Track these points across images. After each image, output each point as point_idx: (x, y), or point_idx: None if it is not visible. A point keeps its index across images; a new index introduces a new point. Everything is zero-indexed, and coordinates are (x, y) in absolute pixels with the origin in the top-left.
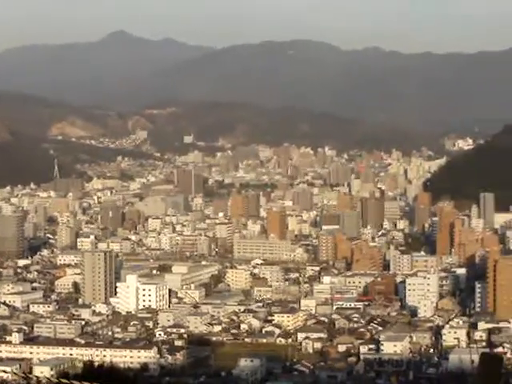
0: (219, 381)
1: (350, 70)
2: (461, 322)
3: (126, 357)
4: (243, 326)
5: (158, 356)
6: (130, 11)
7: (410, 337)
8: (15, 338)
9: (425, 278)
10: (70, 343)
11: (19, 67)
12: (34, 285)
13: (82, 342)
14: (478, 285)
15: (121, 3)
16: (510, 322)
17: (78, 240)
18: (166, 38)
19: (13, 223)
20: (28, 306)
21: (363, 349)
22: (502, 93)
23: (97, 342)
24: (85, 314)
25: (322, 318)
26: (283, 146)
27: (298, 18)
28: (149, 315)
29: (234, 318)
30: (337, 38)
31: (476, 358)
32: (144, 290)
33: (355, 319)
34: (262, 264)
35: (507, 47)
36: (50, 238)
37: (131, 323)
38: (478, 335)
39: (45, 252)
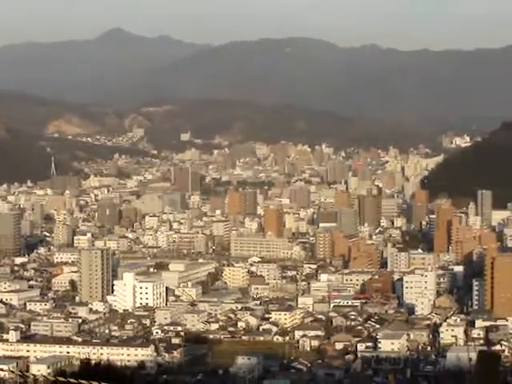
0: (216, 379)
1: (348, 67)
2: (458, 320)
3: (123, 355)
4: (240, 324)
5: (155, 354)
6: (126, 9)
7: (408, 335)
8: (12, 336)
9: (422, 275)
10: (67, 341)
11: (16, 65)
12: (31, 283)
13: (79, 340)
14: (475, 282)
15: (117, 1)
16: (507, 320)
17: (75, 238)
18: (163, 36)
19: (9, 221)
20: (25, 304)
21: (360, 347)
22: (500, 90)
23: (94, 340)
24: (82, 311)
25: (320, 316)
26: (280, 143)
27: (295, 15)
28: (146, 313)
29: (231, 315)
30: (334, 35)
31: (474, 355)
32: (141, 287)
33: (352, 317)
34: (259, 262)
35: (505, 45)
36: (46, 236)
37: (128, 321)
38: (475, 333)
39: (42, 250)
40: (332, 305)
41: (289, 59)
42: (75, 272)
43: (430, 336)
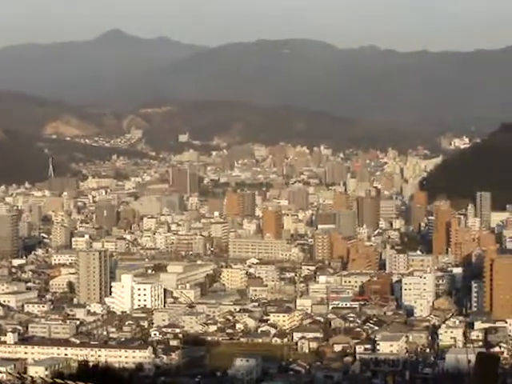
0: (215, 381)
1: (346, 68)
2: (457, 322)
3: (120, 357)
4: (238, 326)
5: (153, 356)
6: (124, 10)
7: (407, 336)
8: (10, 338)
9: (421, 277)
10: (65, 343)
11: (13, 65)
12: (29, 284)
13: (77, 341)
14: (474, 284)
15: (116, 2)
16: (506, 322)
17: (73, 239)
18: (161, 37)
19: (7, 222)
20: (23, 305)
21: (359, 348)
22: (499, 91)
23: (92, 342)
24: (80, 313)
25: (318, 318)
26: (279, 144)
27: (293, 16)
28: (144, 315)
29: (230, 317)
30: (333, 36)
31: (472, 357)
32: (139, 289)
33: (351, 319)
34: (257, 263)
35: (504, 46)
36: (44, 238)
37: (126, 323)
38: (474, 335)
39: (39, 251)
40: (330, 307)
41: (287, 60)
42: (73, 274)
43: (429, 338)
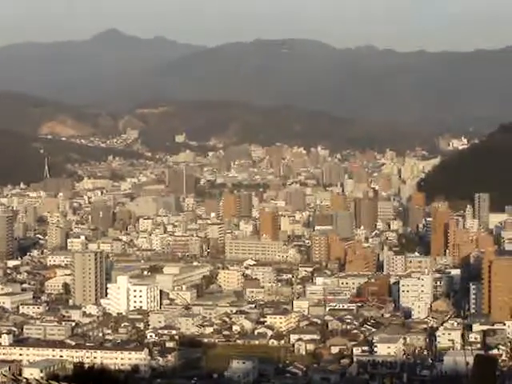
0: (211, 383)
1: (344, 68)
2: (455, 324)
3: (116, 358)
4: (235, 328)
5: (149, 358)
6: (122, 10)
7: (404, 338)
8: (5, 339)
9: (419, 279)
10: (60, 345)
11: (10, 65)
12: (24, 286)
13: (73, 343)
14: (472, 286)
15: (112, 2)
16: (505, 324)
17: (69, 240)
18: (158, 37)
19: (2, 223)
20: (18, 307)
21: (356, 350)
22: (498, 92)
23: (87, 344)
24: (75, 315)
25: (315, 320)
26: (276, 145)
27: (291, 16)
28: (140, 316)
29: (226, 319)
30: (331, 36)
31: (471, 360)
32: (135, 291)
33: (348, 321)
34: (254, 265)
35: (504, 46)
36: (40, 239)
37: (122, 324)
38: (472, 337)
39: (35, 253)
40: (328, 308)
41: (285, 60)
42: (68, 275)
43: (427, 340)
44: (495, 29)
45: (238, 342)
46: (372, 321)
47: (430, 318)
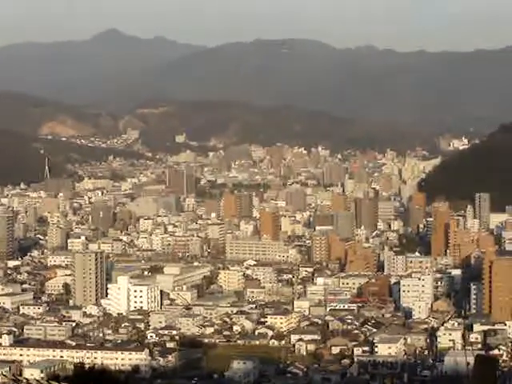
0: (211, 383)
1: (345, 68)
2: (456, 324)
3: (117, 359)
4: (236, 328)
5: (149, 358)
6: (122, 9)
7: (405, 339)
8: (5, 340)
9: (419, 279)
10: (61, 345)
11: (10, 65)
12: (24, 286)
13: (73, 343)
14: (473, 286)
15: (112, 2)
16: (505, 324)
17: (69, 241)
18: (158, 37)
19: (3, 224)
20: (18, 307)
21: (357, 351)
22: (498, 92)
23: (88, 344)
24: (75, 315)
25: (316, 320)
26: (276, 145)
27: (291, 16)
28: (140, 317)
29: (227, 319)
30: (331, 36)
31: (471, 360)
32: (135, 291)
33: (349, 321)
34: (254, 265)
35: (504, 46)
36: (40, 239)
37: (122, 325)
38: (473, 337)
39: (35, 253)
40: (328, 308)
41: (285, 60)
42: (69, 275)
43: (428, 340)
44: (495, 29)
45: (239, 342)
46: (372, 321)
47: (431, 318)
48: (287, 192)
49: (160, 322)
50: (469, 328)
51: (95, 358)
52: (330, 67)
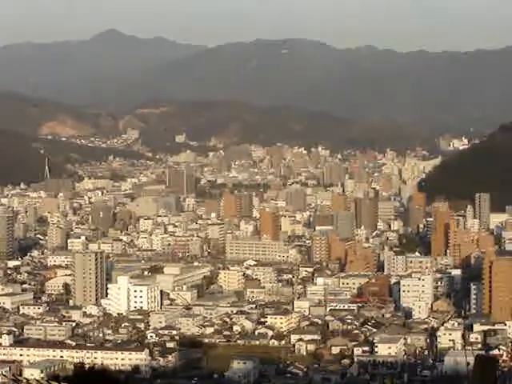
0: (211, 383)
1: (345, 68)
2: (456, 324)
3: (117, 359)
4: (236, 328)
5: (149, 358)
6: (121, 10)
7: (405, 339)
8: (5, 340)
9: (419, 279)
10: (61, 345)
11: (10, 65)
12: (24, 286)
13: (73, 343)
14: (473, 286)
15: (112, 2)
16: (505, 324)
17: (69, 241)
18: (157, 37)
19: (3, 224)
20: (18, 307)
21: (357, 351)
22: (498, 92)
23: (88, 344)
24: (75, 315)
25: (316, 320)
26: (276, 145)
27: (291, 16)
28: (140, 317)
29: (227, 319)
30: (331, 36)
31: (471, 360)
32: (135, 291)
33: (349, 321)
34: (254, 265)
35: (504, 46)
36: (40, 239)
37: (122, 325)
38: (473, 337)
39: (35, 253)
40: (328, 308)
41: (285, 60)
42: (69, 275)
43: (428, 340)
44: (495, 29)
45: (239, 342)
46: (372, 321)
47: (431, 318)
48: (287, 192)
49: (160, 322)
50: (469, 328)
51: (95, 358)
52: (330, 67)
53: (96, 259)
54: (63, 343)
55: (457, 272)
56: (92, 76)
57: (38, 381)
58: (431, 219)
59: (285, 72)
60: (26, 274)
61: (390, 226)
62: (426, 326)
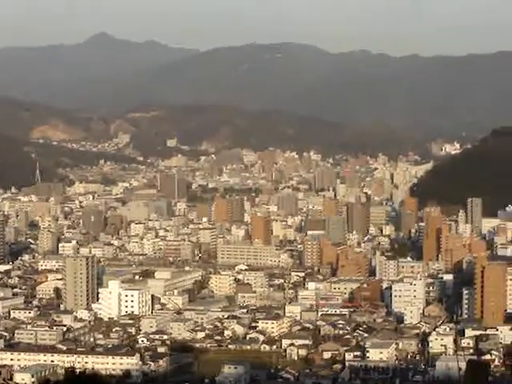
0: None
1: (337, 73)
2: (448, 329)
3: (108, 363)
4: (227, 333)
5: (140, 363)
6: (113, 13)
7: (397, 344)
8: None
9: (411, 284)
10: (52, 350)
11: (1, 69)
12: (15, 290)
13: (64, 348)
14: (465, 291)
15: (105, 4)
16: (497, 329)
17: (60, 245)
18: (149, 41)
19: None
20: (9, 311)
21: (349, 356)
22: (490, 97)
23: (78, 349)
24: (66, 320)
25: (307, 325)
26: (268, 150)
27: (284, 20)
28: (131, 321)
29: (218, 324)
30: (324, 40)
31: (463, 365)
32: (126, 295)
33: (340, 326)
34: (246, 270)
35: (496, 50)
36: (31, 243)
37: (113, 329)
38: (465, 342)
39: (26, 257)
40: (320, 313)
41: (278, 64)
42: (60, 279)
43: (419, 345)
44: (488, 34)
45: (230, 346)
46: (364, 326)
47: (423, 323)
48: (279, 196)
49: (151, 327)
50: (461, 333)
51: (86, 362)
52: (323, 71)
53: (87, 263)
54: (54, 348)
55: (449, 277)
56: (84, 80)
57: None
58: (423, 224)
59: (278, 76)
60: (16, 279)
61: (381, 231)
62: (417, 330)
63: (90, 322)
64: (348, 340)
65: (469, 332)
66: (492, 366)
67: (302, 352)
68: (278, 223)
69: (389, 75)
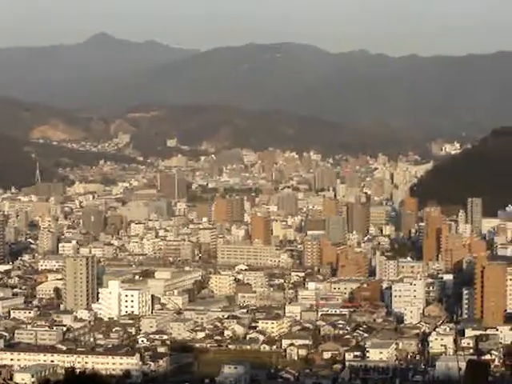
0: None
1: (337, 73)
2: (448, 329)
3: (108, 363)
4: (227, 333)
5: (140, 363)
6: (113, 13)
7: (397, 344)
8: None
9: (411, 284)
10: (52, 350)
11: (1, 69)
12: (15, 290)
13: (64, 348)
14: (465, 291)
15: (104, 5)
16: (497, 329)
17: (60, 245)
18: (150, 41)
19: None
20: (9, 311)
21: (349, 356)
22: (490, 97)
23: (78, 349)
24: (66, 320)
25: (307, 325)
26: (268, 150)
27: (284, 20)
28: (131, 321)
29: (218, 324)
30: (323, 40)
31: (463, 365)
32: (126, 295)
33: (340, 326)
34: (246, 270)
35: (495, 50)
36: (31, 243)
37: (113, 329)
38: (465, 342)
39: (26, 257)
40: (320, 313)
41: (277, 64)
42: (60, 279)
43: (419, 345)
44: (487, 33)
45: (230, 346)
46: (364, 326)
47: (423, 323)
48: (279, 196)
49: (151, 327)
50: (460, 333)
51: (86, 362)
52: (323, 71)
53: (87, 263)
54: (54, 348)
55: (449, 277)
56: (84, 80)
57: None
58: (423, 224)
59: (278, 76)
60: (16, 279)
61: (381, 231)
62: (417, 330)
63: (89, 322)
64: (348, 340)
65: (469, 332)
66: (492, 366)
67: (302, 352)
68: (277, 223)
69: (388, 75)
